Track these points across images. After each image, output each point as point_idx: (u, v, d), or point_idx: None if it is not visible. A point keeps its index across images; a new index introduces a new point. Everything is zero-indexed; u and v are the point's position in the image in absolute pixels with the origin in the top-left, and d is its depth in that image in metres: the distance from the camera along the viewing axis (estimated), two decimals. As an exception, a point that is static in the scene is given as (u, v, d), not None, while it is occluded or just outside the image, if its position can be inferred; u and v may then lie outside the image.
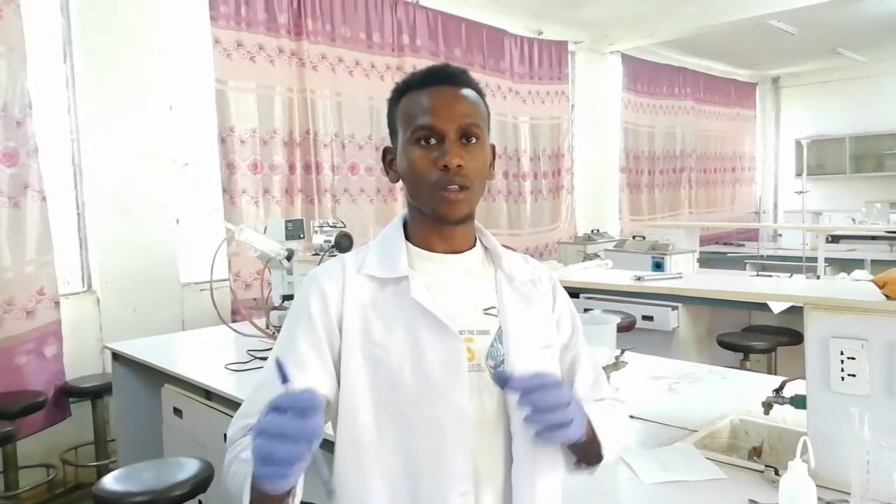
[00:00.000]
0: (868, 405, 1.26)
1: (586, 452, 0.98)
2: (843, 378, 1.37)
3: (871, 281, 1.41)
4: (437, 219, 0.98)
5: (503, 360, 0.98)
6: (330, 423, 0.98)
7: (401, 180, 1.01)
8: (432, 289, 0.98)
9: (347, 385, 0.95)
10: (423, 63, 4.87)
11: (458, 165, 0.94)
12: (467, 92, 1.00)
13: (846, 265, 5.33)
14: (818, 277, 4.72)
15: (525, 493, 0.97)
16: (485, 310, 1.01)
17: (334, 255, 1.66)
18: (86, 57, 3.68)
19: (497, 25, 5.80)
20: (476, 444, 0.95)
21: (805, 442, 1.16)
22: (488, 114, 1.03)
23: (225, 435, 2.29)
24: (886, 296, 1.35)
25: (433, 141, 0.96)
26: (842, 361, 1.37)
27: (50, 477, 3.43)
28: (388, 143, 1.06)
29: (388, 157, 1.05)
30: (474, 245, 1.05)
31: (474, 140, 0.97)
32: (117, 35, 3.76)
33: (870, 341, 1.34)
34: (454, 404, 0.94)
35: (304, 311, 0.98)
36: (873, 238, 6.47)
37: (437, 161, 0.94)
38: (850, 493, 1.22)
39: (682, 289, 1.91)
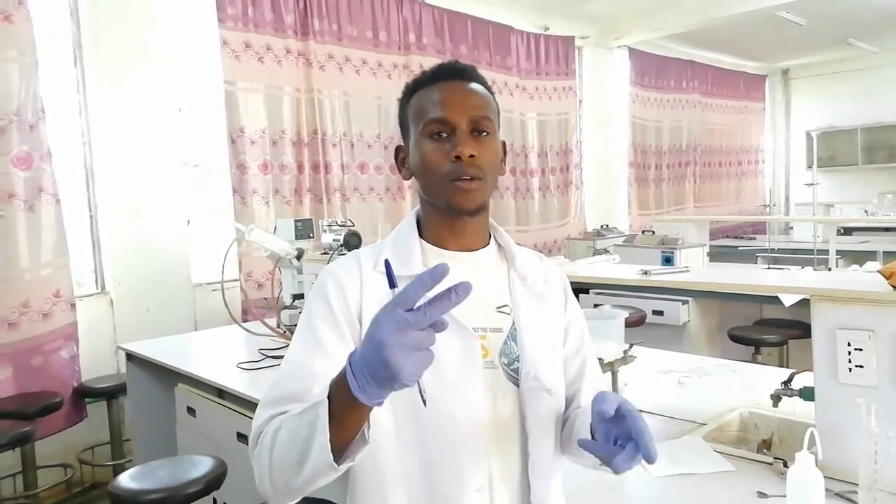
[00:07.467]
0: (875, 396, 1.26)
1: None
2: (850, 369, 1.37)
3: (878, 272, 1.40)
4: (451, 211, 0.98)
5: (517, 357, 0.99)
6: None
7: (413, 177, 1.02)
8: (445, 286, 0.98)
9: None
10: (429, 61, 4.88)
11: (471, 156, 0.94)
12: (477, 86, 1.00)
13: (859, 257, 5.31)
14: (829, 270, 4.69)
15: (542, 491, 0.98)
16: (498, 308, 1.01)
17: (343, 254, 1.67)
18: (96, 61, 3.72)
19: (503, 22, 5.80)
20: (491, 440, 0.96)
21: (812, 433, 1.16)
22: (498, 110, 1.03)
23: (237, 433, 2.31)
24: (893, 286, 1.35)
25: (445, 134, 0.96)
26: (849, 353, 1.37)
27: (67, 476, 3.47)
28: (396, 141, 1.06)
29: (400, 155, 1.05)
30: (488, 242, 1.05)
31: (485, 133, 0.98)
32: (126, 38, 3.80)
33: (877, 332, 1.34)
34: (469, 400, 0.95)
35: (324, 303, 0.97)
36: (886, 230, 6.42)
37: (449, 153, 0.95)
38: (857, 484, 1.22)
39: (686, 282, 1.91)
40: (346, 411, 0.76)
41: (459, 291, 0.69)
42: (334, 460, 0.77)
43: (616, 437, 0.84)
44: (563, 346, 1.07)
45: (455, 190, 0.96)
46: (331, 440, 0.76)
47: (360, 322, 0.96)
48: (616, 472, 0.82)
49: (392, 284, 0.76)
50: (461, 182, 0.95)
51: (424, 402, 0.75)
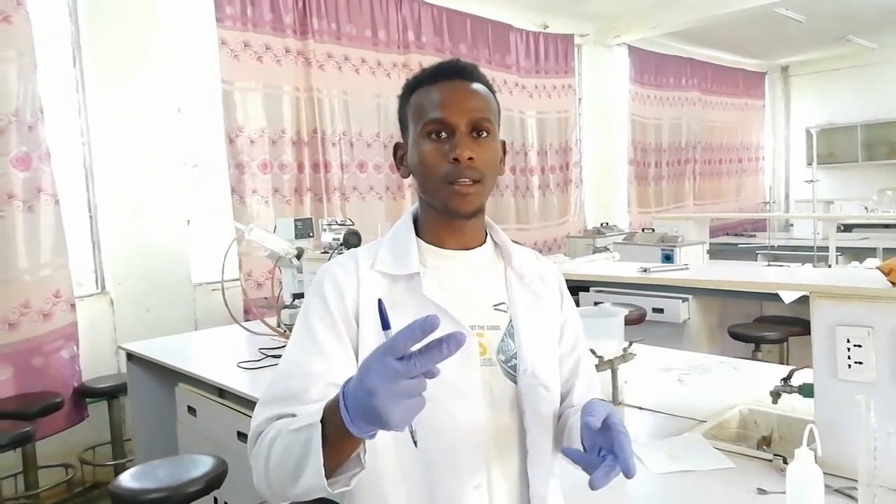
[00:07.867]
0: (875, 392, 1.26)
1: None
2: (849, 366, 1.37)
3: (877, 268, 1.40)
4: (448, 213, 0.98)
5: (514, 354, 0.99)
6: None
7: (412, 175, 1.02)
8: (443, 285, 0.98)
9: None
10: (429, 60, 4.88)
11: (470, 158, 0.94)
12: (478, 86, 0.99)
13: (859, 254, 5.30)
14: (829, 267, 4.70)
15: (540, 487, 0.98)
16: (494, 305, 1.01)
17: (342, 254, 1.67)
18: (95, 61, 3.72)
19: (502, 20, 5.80)
20: (489, 438, 0.96)
21: (812, 430, 1.16)
22: (499, 109, 1.02)
23: (238, 432, 2.31)
24: (892, 283, 1.35)
25: (444, 134, 0.95)
26: (848, 349, 1.37)
27: (69, 476, 3.47)
28: (396, 139, 1.06)
29: (398, 153, 1.05)
30: (485, 241, 1.05)
31: (485, 134, 0.97)
32: (125, 38, 3.80)
33: (876, 328, 1.34)
34: (467, 398, 0.95)
35: (321, 302, 0.97)
36: (886, 226, 6.41)
37: (447, 154, 0.94)
38: (857, 480, 1.22)
39: (685, 279, 1.91)
40: (339, 437, 0.76)
41: (451, 344, 0.68)
42: (327, 477, 0.77)
43: (601, 447, 0.84)
44: (558, 343, 1.08)
45: (453, 193, 0.95)
46: (324, 463, 0.76)
47: (357, 322, 0.96)
48: (592, 488, 0.81)
49: (385, 325, 0.75)
50: (459, 186, 0.94)
51: (415, 442, 0.75)
